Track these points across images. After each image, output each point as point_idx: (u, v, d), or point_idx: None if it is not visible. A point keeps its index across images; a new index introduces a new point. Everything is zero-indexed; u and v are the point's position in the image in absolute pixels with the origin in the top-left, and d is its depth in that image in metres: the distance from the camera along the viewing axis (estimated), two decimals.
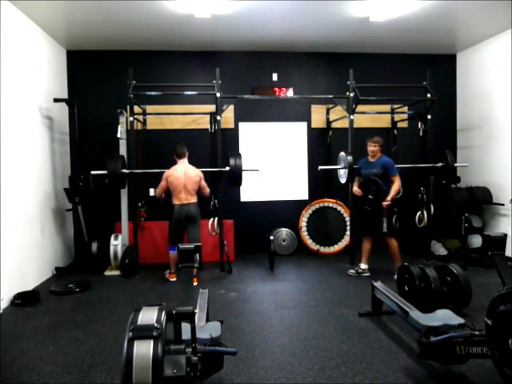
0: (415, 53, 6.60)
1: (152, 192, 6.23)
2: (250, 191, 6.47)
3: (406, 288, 3.77)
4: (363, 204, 5.06)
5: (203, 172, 5.67)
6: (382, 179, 4.88)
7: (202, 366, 2.14)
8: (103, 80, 6.18)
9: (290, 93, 6.08)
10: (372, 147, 5.04)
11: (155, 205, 6.08)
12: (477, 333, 2.48)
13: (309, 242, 6.34)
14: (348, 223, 6.13)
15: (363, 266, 5.14)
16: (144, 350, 1.78)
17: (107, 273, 5.35)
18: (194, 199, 4.95)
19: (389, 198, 4.84)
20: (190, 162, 5.88)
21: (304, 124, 6.59)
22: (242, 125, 6.47)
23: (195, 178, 4.96)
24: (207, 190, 5.14)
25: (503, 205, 5.74)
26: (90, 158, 5.60)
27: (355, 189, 5.15)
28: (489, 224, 6.08)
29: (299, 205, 6.42)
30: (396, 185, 4.93)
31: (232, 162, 5.10)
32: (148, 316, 1.92)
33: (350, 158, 5.28)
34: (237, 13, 4.90)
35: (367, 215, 5.04)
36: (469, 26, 5.56)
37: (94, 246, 5.53)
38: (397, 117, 6.49)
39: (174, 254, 4.84)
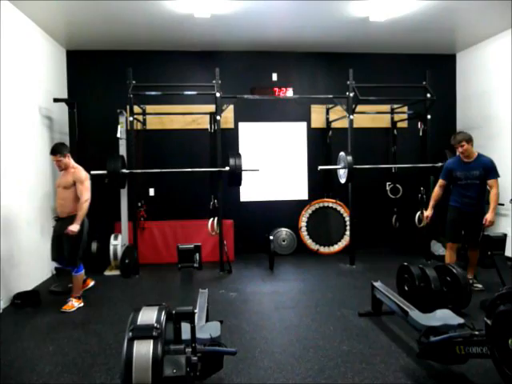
0: (415, 53, 6.60)
1: (152, 192, 6.25)
2: (250, 191, 6.47)
3: (406, 288, 3.77)
4: (455, 210, 4.33)
5: (203, 172, 5.69)
6: (483, 185, 4.21)
7: (202, 365, 2.15)
8: (103, 80, 6.18)
9: (290, 93, 6.08)
10: (460, 148, 4.19)
11: (155, 205, 6.12)
12: (477, 333, 2.48)
13: (309, 242, 6.34)
14: (348, 223, 6.13)
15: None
16: (144, 349, 1.78)
17: (107, 273, 5.35)
18: None
19: (491, 214, 4.07)
20: (191, 161, 5.90)
21: (304, 124, 6.60)
22: (241, 125, 6.46)
23: None
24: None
25: (503, 205, 5.74)
26: (90, 158, 5.60)
27: (434, 194, 4.42)
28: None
29: (299, 205, 6.42)
30: (494, 193, 4.11)
31: (232, 161, 5.10)
32: (148, 316, 1.92)
33: (349, 158, 5.29)
34: (237, 13, 4.90)
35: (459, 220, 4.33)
36: (469, 25, 5.56)
37: (94, 246, 5.53)
38: (397, 117, 6.49)
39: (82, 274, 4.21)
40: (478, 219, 4.18)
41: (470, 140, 4.18)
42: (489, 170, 4.17)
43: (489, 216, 4.08)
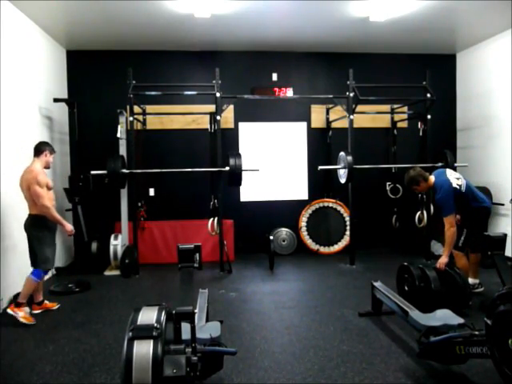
0: (415, 53, 6.60)
1: (152, 192, 6.25)
2: (250, 191, 6.47)
3: (406, 288, 3.76)
4: None
5: (203, 172, 5.67)
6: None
7: (202, 365, 2.14)
8: (103, 80, 6.18)
9: (290, 93, 6.08)
10: (415, 191, 4.17)
11: (155, 205, 6.12)
12: (477, 333, 2.48)
13: (309, 241, 6.33)
14: (348, 223, 6.13)
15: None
16: (144, 349, 1.78)
17: (107, 273, 5.35)
18: (31, 210, 3.88)
19: (443, 258, 3.72)
20: (191, 161, 5.88)
21: (304, 124, 6.60)
22: (241, 125, 6.47)
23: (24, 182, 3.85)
24: (39, 203, 3.75)
25: (503, 205, 5.74)
26: (90, 157, 5.60)
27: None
28: (489, 224, 6.07)
29: (299, 205, 6.42)
30: (447, 231, 3.74)
31: (232, 161, 5.10)
32: (148, 316, 1.92)
33: (349, 158, 5.28)
34: (237, 13, 4.90)
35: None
36: (469, 25, 5.56)
37: (94, 246, 5.53)
38: (397, 117, 6.49)
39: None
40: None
41: (419, 182, 3.92)
42: (437, 206, 3.89)
43: (440, 259, 3.74)
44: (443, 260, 3.72)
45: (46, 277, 5.06)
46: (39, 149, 3.93)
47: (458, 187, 3.83)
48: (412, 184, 3.99)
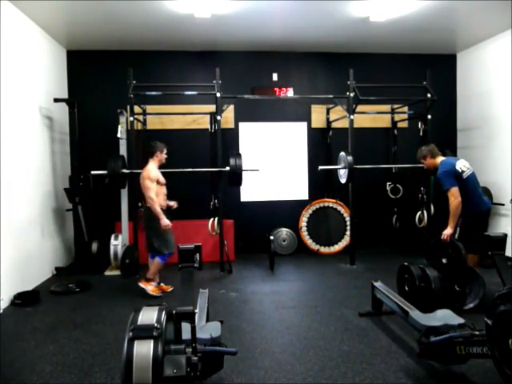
0: (415, 53, 6.60)
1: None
2: (251, 191, 6.47)
3: (406, 288, 3.76)
4: None
5: (204, 172, 5.68)
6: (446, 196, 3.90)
7: (202, 365, 2.14)
8: (103, 80, 6.18)
9: (290, 93, 6.08)
10: (424, 165, 4.32)
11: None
12: (477, 333, 2.48)
13: (309, 241, 6.33)
14: (348, 223, 6.13)
15: None
16: (144, 350, 1.78)
17: (107, 273, 5.35)
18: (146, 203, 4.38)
19: (448, 228, 3.78)
20: (191, 161, 5.89)
21: (304, 124, 6.59)
22: (241, 125, 6.47)
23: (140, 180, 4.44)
24: (147, 195, 4.32)
25: (503, 205, 5.74)
26: (90, 157, 5.60)
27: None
28: (489, 224, 6.07)
29: (299, 205, 6.42)
30: (451, 203, 3.79)
31: (232, 161, 5.10)
32: (148, 316, 1.92)
33: (350, 158, 5.28)
34: (237, 13, 4.90)
35: None
36: (469, 25, 5.56)
37: (94, 246, 5.53)
38: (397, 117, 6.49)
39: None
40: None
41: (425, 156, 4.15)
42: (438, 183, 3.99)
43: (445, 230, 3.81)
44: (448, 231, 3.75)
45: (45, 277, 5.08)
46: (151, 151, 4.46)
47: (459, 170, 3.88)
48: (420, 157, 4.24)
